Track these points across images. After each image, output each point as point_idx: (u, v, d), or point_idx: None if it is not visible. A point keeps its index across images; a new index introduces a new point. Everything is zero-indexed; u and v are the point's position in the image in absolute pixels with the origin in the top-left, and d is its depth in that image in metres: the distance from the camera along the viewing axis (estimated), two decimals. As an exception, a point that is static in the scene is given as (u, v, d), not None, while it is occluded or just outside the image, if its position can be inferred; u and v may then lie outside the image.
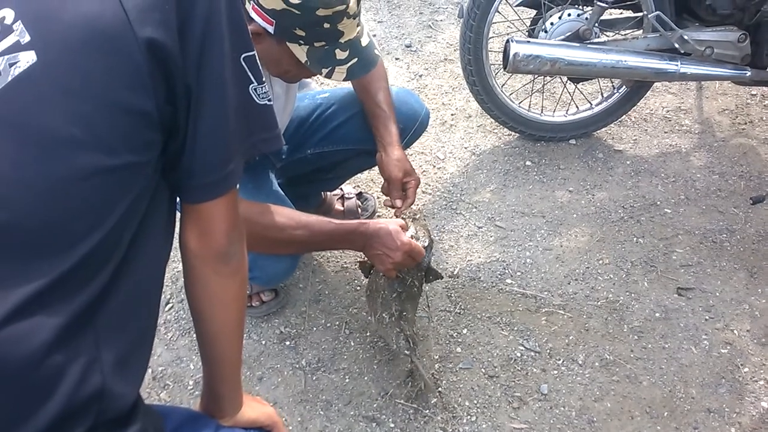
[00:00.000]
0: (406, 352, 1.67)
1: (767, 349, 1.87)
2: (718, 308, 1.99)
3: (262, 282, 1.86)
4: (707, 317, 1.96)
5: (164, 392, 1.80)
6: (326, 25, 1.34)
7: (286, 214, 1.57)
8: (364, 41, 1.46)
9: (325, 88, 2.22)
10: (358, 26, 1.43)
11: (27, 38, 0.72)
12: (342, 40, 1.40)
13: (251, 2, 1.33)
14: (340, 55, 1.40)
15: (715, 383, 1.79)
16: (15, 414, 0.69)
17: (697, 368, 1.82)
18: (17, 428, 0.69)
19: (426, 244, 1.66)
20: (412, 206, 1.82)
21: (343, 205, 2.28)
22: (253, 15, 1.35)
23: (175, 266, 2.11)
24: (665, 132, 2.74)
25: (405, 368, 1.77)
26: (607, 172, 2.53)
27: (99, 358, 0.74)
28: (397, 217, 1.76)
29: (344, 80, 1.46)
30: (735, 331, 1.92)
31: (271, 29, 1.35)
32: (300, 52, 1.38)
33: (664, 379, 1.79)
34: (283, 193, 1.78)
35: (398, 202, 1.79)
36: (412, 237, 1.63)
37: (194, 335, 1.90)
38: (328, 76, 1.42)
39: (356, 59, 1.43)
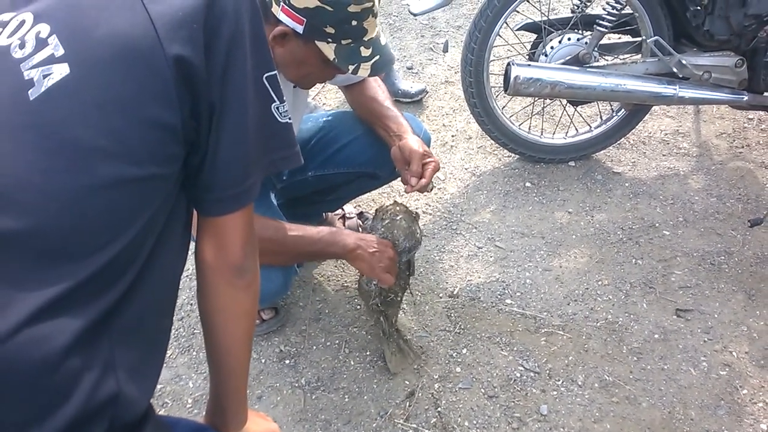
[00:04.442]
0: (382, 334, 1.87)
1: (766, 371, 1.87)
2: (716, 330, 2.00)
3: None
4: (706, 339, 1.97)
5: (163, 410, 1.79)
6: (354, 23, 1.39)
7: (275, 222, 1.63)
8: (383, 40, 1.51)
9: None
10: (377, 26, 1.48)
11: (61, 51, 0.74)
12: (366, 38, 1.45)
13: (280, 4, 1.37)
14: (365, 52, 1.45)
15: (714, 405, 1.79)
16: (32, 416, 0.70)
17: (696, 390, 1.83)
18: (34, 431, 0.70)
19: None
20: (397, 207, 1.78)
21: (344, 225, 2.29)
22: (282, 17, 1.38)
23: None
24: (663, 155, 2.77)
25: (405, 388, 1.78)
26: (606, 194, 2.55)
27: (114, 363, 0.76)
28: (407, 192, 1.76)
29: (368, 76, 1.51)
30: (734, 353, 1.93)
31: (300, 29, 1.38)
32: (328, 50, 1.42)
33: (663, 401, 1.79)
34: (279, 211, 1.79)
35: (413, 180, 1.69)
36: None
37: (193, 353, 1.93)
38: (354, 72, 1.47)
39: (378, 56, 1.48)
